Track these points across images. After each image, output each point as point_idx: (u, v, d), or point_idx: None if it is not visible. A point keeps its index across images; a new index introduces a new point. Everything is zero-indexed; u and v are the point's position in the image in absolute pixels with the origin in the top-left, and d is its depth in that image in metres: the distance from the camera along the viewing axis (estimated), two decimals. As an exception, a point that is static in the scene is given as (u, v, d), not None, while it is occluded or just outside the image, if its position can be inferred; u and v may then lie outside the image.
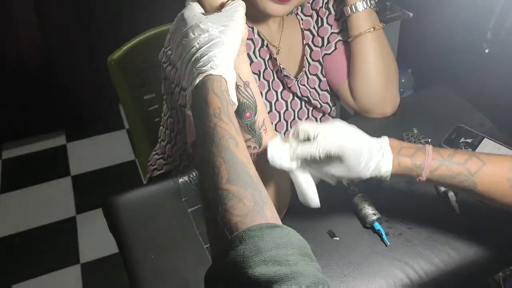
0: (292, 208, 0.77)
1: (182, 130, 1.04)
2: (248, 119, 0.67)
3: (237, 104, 0.62)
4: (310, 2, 1.00)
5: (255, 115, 0.67)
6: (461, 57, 1.36)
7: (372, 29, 0.94)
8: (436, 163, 0.65)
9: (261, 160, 0.69)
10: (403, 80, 1.86)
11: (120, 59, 1.22)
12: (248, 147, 0.68)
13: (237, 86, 0.65)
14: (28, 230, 1.94)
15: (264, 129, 0.68)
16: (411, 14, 1.95)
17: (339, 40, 1.00)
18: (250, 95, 0.66)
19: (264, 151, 0.68)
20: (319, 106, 1.02)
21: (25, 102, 2.28)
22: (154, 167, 1.17)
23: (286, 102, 0.99)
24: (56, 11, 2.12)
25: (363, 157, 0.63)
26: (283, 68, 0.95)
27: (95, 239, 1.89)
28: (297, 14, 0.99)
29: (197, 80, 0.58)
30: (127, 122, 1.35)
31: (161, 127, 1.15)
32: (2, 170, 2.24)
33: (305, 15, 1.00)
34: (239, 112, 0.66)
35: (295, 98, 1.00)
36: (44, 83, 2.25)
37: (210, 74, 0.58)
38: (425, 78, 1.76)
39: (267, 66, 0.95)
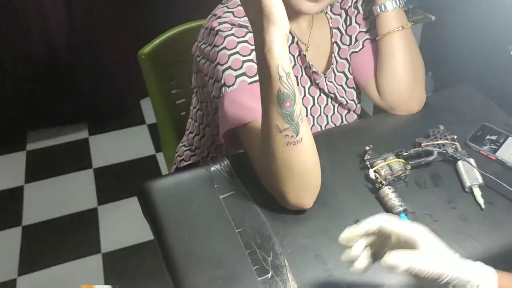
0: (320, 196, 0.79)
1: (211, 123, 1.08)
2: (288, 108, 0.69)
3: None
4: (340, 1, 1.03)
5: (294, 105, 0.69)
6: (484, 58, 1.37)
7: (401, 28, 0.97)
8: None
9: (297, 148, 0.72)
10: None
11: (151, 53, 1.27)
12: (286, 135, 0.71)
13: (279, 77, 0.67)
14: (51, 219, 1.99)
15: (301, 119, 0.71)
16: (433, 17, 1.96)
17: (367, 39, 1.03)
18: (291, 86, 0.69)
19: (301, 139, 0.71)
20: (345, 103, 1.05)
21: (50, 95, 2.34)
22: (182, 157, 1.21)
23: (313, 98, 1.02)
24: (87, 5, 2.16)
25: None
26: (311, 65, 0.98)
27: (116, 229, 1.94)
28: (326, 12, 1.02)
29: None
30: (155, 115, 1.38)
31: (189, 120, 1.19)
32: (27, 160, 2.30)
33: (334, 14, 1.03)
34: (279, 102, 0.69)
35: (322, 94, 1.03)
36: (70, 76, 2.31)
37: None
38: (445, 81, 1.77)
39: (296, 62, 0.98)
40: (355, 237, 0.62)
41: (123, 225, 1.95)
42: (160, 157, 2.27)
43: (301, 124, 0.72)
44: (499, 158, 0.87)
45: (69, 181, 2.18)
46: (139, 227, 1.89)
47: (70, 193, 2.12)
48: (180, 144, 1.25)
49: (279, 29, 0.66)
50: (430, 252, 0.58)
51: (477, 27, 1.49)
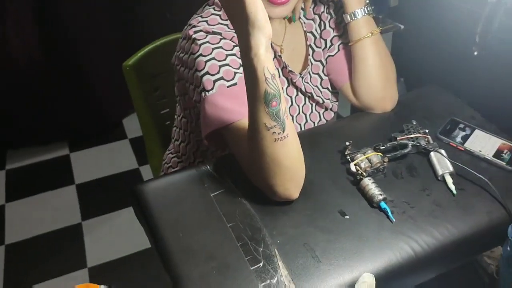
0: (305, 189, 0.84)
1: (195, 129, 1.12)
2: (274, 107, 0.73)
3: None
4: (312, 7, 1.09)
5: (280, 103, 0.74)
6: (451, 61, 1.47)
7: (370, 34, 1.03)
8: None
9: (284, 143, 0.77)
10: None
11: (135, 64, 1.31)
12: (274, 132, 0.76)
13: (265, 78, 0.72)
14: (34, 237, 1.99)
15: (286, 116, 0.76)
16: (402, 26, 2.06)
17: (342, 43, 1.10)
18: (276, 86, 0.73)
19: (287, 135, 0.76)
20: (321, 101, 1.11)
21: (29, 113, 2.34)
22: (169, 164, 1.25)
23: (291, 98, 1.08)
24: (62, 25, 2.19)
25: None
26: (287, 65, 1.04)
27: (101, 244, 1.94)
28: (299, 18, 1.09)
29: None
30: (140, 125, 1.41)
31: (174, 128, 1.23)
32: (7, 180, 2.29)
33: (307, 19, 1.10)
34: (266, 102, 0.73)
35: (299, 94, 1.09)
36: (49, 94, 2.31)
37: None
38: (417, 85, 1.86)
39: None
40: None
41: (108, 239, 1.96)
42: (144, 170, 2.29)
43: (287, 121, 0.76)
44: (467, 148, 0.94)
45: (51, 198, 2.18)
46: (124, 240, 1.92)
47: (53, 210, 2.12)
48: (167, 152, 1.29)
49: (263, 34, 0.70)
50: None
51: (443, 33, 1.59)
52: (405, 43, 1.94)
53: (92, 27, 2.27)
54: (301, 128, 1.10)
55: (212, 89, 0.90)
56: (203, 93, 0.91)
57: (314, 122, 1.13)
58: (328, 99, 1.13)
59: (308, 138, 0.97)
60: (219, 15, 0.98)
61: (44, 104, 2.33)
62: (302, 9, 1.06)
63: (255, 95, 0.74)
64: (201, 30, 0.94)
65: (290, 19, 1.06)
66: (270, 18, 0.93)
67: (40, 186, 2.23)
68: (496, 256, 1.32)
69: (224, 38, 0.94)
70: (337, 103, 1.16)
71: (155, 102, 1.40)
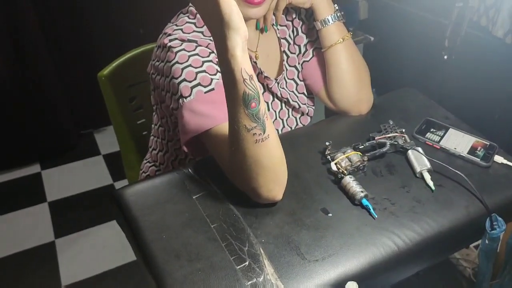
0: (288, 189, 0.85)
1: (173, 137, 1.11)
2: (253, 108, 0.73)
3: None
4: (285, 14, 1.11)
5: (259, 104, 0.74)
6: (422, 66, 1.52)
7: (342, 39, 1.05)
8: None
9: (265, 144, 0.78)
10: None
11: (110, 74, 1.29)
12: (254, 134, 0.75)
13: (243, 80, 0.72)
14: (6, 257, 1.91)
15: (266, 117, 0.76)
16: (372, 38, 2.13)
17: (316, 48, 1.12)
18: (255, 87, 0.73)
19: (268, 136, 0.76)
20: (297, 106, 1.12)
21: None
22: (147, 173, 1.23)
23: (268, 103, 1.08)
24: (29, 39, 2.15)
25: None
26: (263, 71, 1.05)
27: (75, 262, 1.89)
28: (273, 24, 1.10)
29: None
30: (116, 136, 1.39)
31: (152, 137, 1.22)
32: (-25, 200, 2.21)
33: (281, 25, 1.11)
34: (245, 103, 0.73)
35: (276, 99, 1.10)
36: (18, 111, 2.26)
37: None
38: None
39: None
40: None
41: (83, 257, 1.91)
42: (119, 186, 2.24)
43: (267, 122, 0.76)
44: (443, 146, 0.97)
45: (22, 217, 2.11)
46: (99, 257, 1.87)
47: (25, 228, 2.05)
48: (144, 161, 1.27)
49: (239, 35, 0.70)
50: None
51: (412, 42, 1.65)
52: (376, 54, 2.00)
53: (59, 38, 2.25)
54: (278, 134, 1.11)
55: (189, 95, 0.90)
56: (180, 100, 0.91)
57: (291, 127, 1.14)
58: (305, 104, 1.15)
59: (287, 140, 0.97)
60: (194, 23, 0.98)
61: (11, 122, 2.27)
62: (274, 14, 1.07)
63: (234, 97, 0.74)
64: (176, 38, 0.94)
65: (262, 30, 1.07)
66: (245, 19, 0.95)
67: (10, 205, 2.16)
68: (472, 259, 1.35)
69: (200, 45, 0.94)
70: (313, 107, 1.18)
71: (131, 112, 1.38)
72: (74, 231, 2.02)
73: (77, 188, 2.25)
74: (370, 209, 0.83)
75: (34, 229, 2.04)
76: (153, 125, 1.19)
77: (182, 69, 0.91)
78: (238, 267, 0.74)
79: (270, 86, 1.06)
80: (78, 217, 2.09)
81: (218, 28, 0.70)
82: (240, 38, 0.70)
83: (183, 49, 0.92)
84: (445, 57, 1.11)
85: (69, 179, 2.32)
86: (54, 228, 2.04)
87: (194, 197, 0.86)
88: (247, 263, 0.75)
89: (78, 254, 1.92)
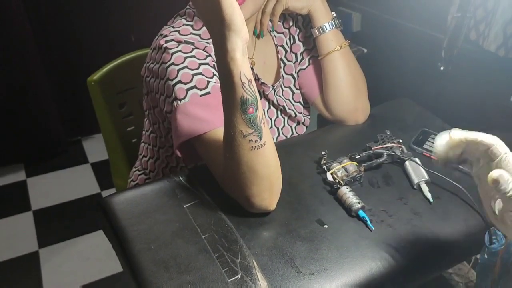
0: (282, 199, 0.82)
1: (164, 144, 1.08)
2: (251, 114, 0.71)
3: None
4: (282, 21, 1.10)
5: (256, 110, 0.71)
6: (418, 77, 1.51)
7: (339, 47, 1.04)
8: None
9: (260, 152, 0.75)
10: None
11: (100, 80, 1.27)
12: (250, 140, 0.73)
13: (242, 83, 0.69)
14: (-13, 267, 1.85)
15: (263, 123, 0.73)
16: (365, 50, 2.13)
17: (312, 56, 1.10)
18: (253, 91, 0.71)
19: (264, 143, 0.74)
20: (294, 115, 1.10)
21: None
22: (136, 182, 1.20)
23: (263, 110, 1.06)
24: (19, 43, 2.12)
25: None
26: (260, 77, 1.02)
27: (59, 272, 1.83)
28: (270, 31, 1.09)
29: None
30: (105, 142, 1.35)
31: (142, 144, 1.19)
32: (-43, 207, 2.15)
33: (278, 33, 1.10)
34: (243, 108, 0.70)
35: (272, 107, 1.08)
36: (3, 117, 2.22)
37: None
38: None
39: None
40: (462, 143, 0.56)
41: (67, 267, 1.85)
42: (106, 195, 2.20)
43: (264, 129, 0.74)
44: (440, 158, 0.95)
45: (6, 225, 2.05)
46: (84, 268, 1.82)
47: (8, 237, 1.99)
48: (134, 169, 1.24)
49: (240, 37, 0.68)
50: None
51: (405, 53, 1.64)
52: (369, 66, 2.00)
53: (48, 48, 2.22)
54: None
55: (184, 98, 0.87)
56: (175, 102, 0.88)
57: (286, 136, 1.11)
58: (301, 112, 1.13)
59: (283, 149, 0.95)
60: (191, 25, 0.96)
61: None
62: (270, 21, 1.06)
63: (231, 101, 0.71)
64: (172, 40, 0.92)
65: (258, 36, 1.05)
66: None
67: (-6, 213, 2.10)
68: (464, 274, 1.33)
69: (197, 48, 0.92)
70: (309, 117, 1.16)
71: (121, 119, 1.35)
72: (58, 241, 1.97)
73: (63, 196, 2.20)
74: (367, 221, 0.80)
75: (17, 238, 1.98)
76: (144, 132, 1.16)
77: (178, 70, 0.88)
78: (230, 280, 0.71)
79: (267, 93, 1.04)
80: (63, 227, 2.04)
81: (218, 29, 0.68)
82: (241, 40, 0.68)
83: (180, 51, 0.90)
84: (442, 68, 1.10)
85: (54, 187, 2.27)
86: (38, 238, 1.99)
87: (185, 206, 0.83)
88: (239, 275, 0.72)
89: (63, 265, 1.86)
